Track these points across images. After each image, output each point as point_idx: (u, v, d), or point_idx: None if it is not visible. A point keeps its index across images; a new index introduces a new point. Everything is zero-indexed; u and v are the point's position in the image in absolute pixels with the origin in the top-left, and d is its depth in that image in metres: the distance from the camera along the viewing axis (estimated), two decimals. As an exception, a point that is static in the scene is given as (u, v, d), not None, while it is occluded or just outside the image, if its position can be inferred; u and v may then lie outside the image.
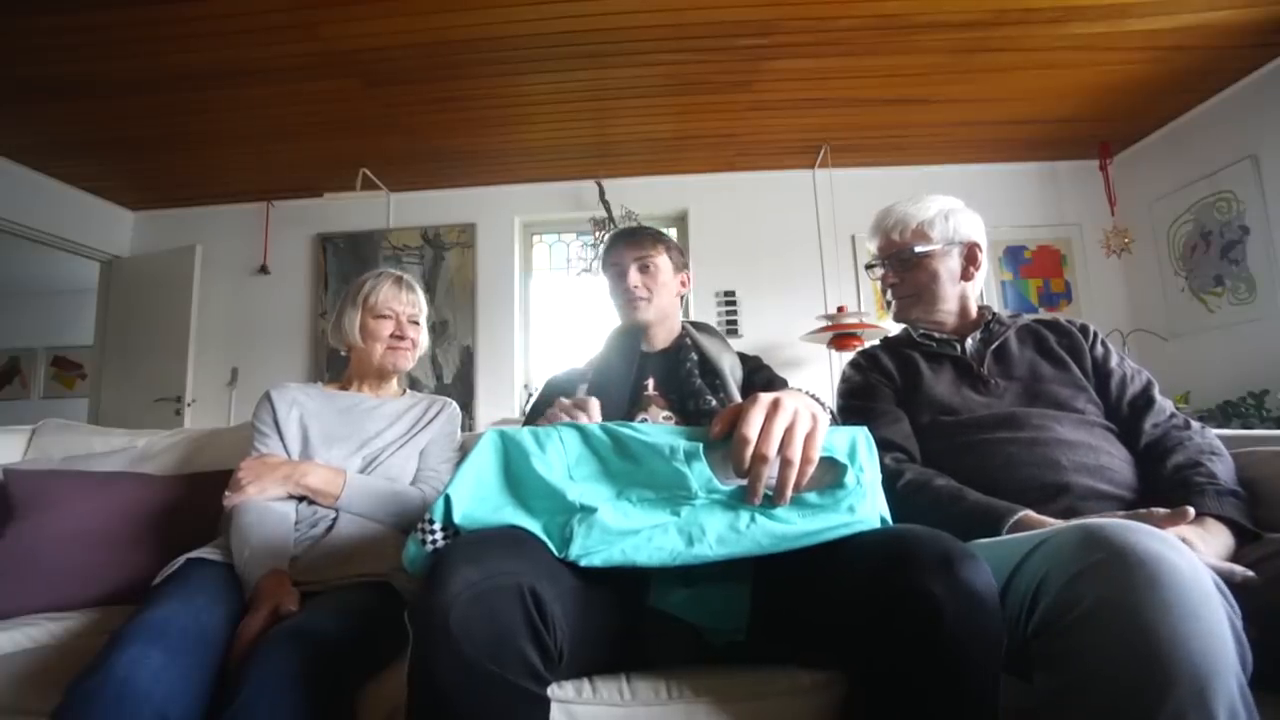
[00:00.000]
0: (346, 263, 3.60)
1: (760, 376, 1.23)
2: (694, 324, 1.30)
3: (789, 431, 0.68)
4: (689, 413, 1.12)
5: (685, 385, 1.16)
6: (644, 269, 1.24)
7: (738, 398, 1.12)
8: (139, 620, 0.80)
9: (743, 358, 1.27)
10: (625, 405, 1.14)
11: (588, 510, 0.70)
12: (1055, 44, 2.48)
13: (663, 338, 1.28)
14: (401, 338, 1.31)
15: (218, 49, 2.36)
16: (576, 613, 0.69)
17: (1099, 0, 2.23)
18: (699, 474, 0.71)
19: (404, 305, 1.32)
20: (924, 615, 0.60)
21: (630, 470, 0.75)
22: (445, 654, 0.59)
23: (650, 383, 1.19)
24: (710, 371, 1.18)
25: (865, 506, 0.73)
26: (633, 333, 1.24)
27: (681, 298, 1.33)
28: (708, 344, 1.23)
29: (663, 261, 1.25)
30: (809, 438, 0.69)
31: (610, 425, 0.78)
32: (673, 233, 3.70)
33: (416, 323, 1.35)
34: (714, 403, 1.11)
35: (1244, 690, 0.54)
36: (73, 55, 2.35)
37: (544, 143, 3.20)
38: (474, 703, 0.59)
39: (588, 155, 3.34)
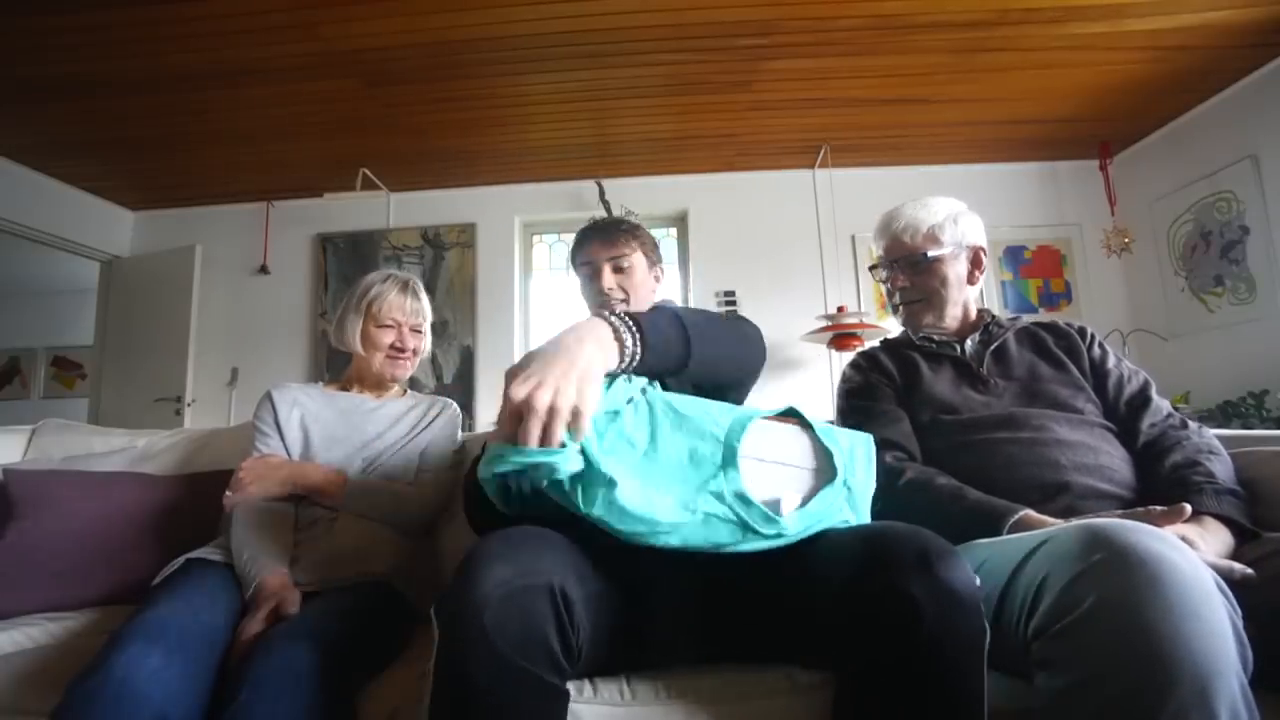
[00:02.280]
0: (346, 263, 3.60)
1: None
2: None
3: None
4: None
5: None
6: (618, 269, 1.13)
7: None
8: (138, 620, 0.80)
9: None
10: None
11: (611, 485, 0.67)
12: (1055, 44, 2.48)
13: None
14: (401, 350, 1.28)
15: (218, 49, 2.36)
16: (593, 614, 0.70)
17: (1099, 0, 2.23)
18: (731, 481, 0.71)
19: (408, 315, 1.29)
20: (903, 616, 0.60)
21: (662, 454, 0.72)
22: (479, 650, 0.60)
23: None
24: None
25: (851, 510, 0.75)
26: None
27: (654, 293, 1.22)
28: None
29: (638, 259, 1.14)
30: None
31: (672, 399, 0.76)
32: (672, 233, 3.71)
33: (419, 331, 1.32)
34: None
35: (1245, 690, 0.54)
36: (73, 55, 2.35)
37: (544, 143, 3.20)
38: (503, 696, 0.60)
39: (588, 155, 3.34)
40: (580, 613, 0.66)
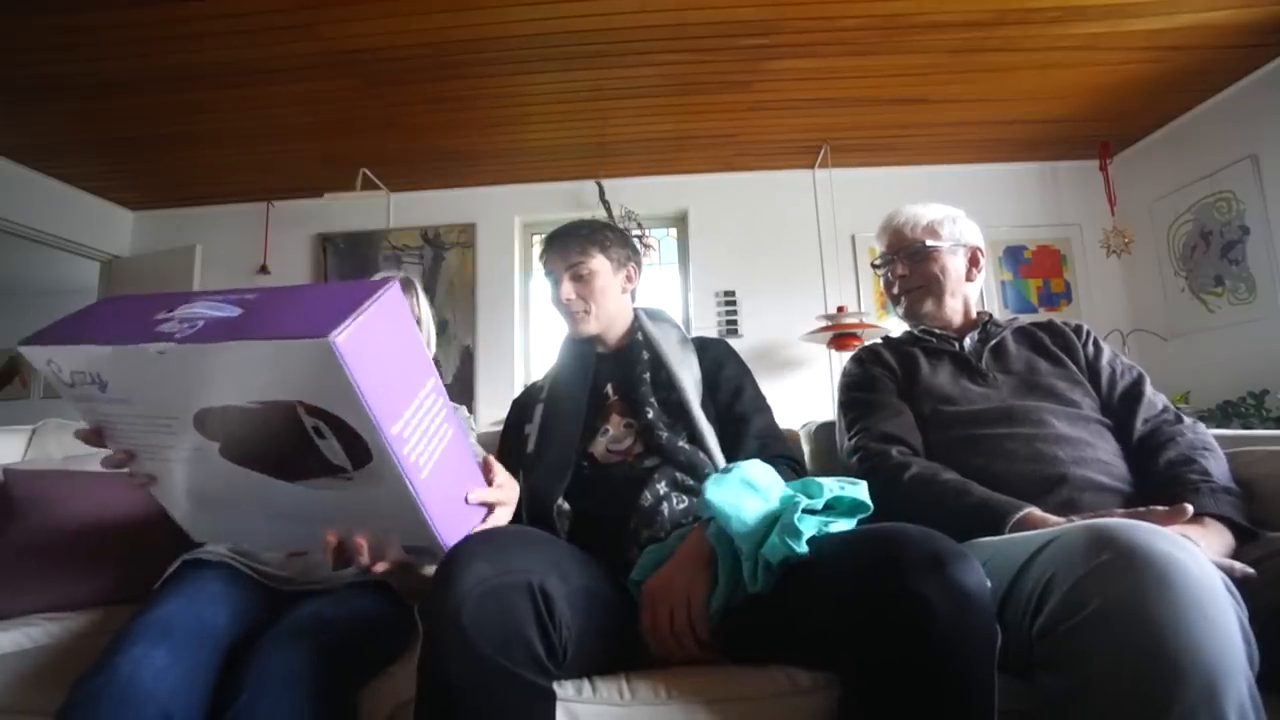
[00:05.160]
0: (346, 263, 3.60)
1: (724, 374, 1.13)
2: (648, 312, 1.21)
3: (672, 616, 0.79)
4: (645, 422, 1.04)
5: (637, 391, 1.07)
6: (577, 278, 1.13)
7: (692, 400, 1.05)
8: (143, 619, 0.80)
9: (701, 347, 1.17)
10: (582, 416, 1.07)
11: None
12: (1055, 44, 2.48)
13: (615, 335, 1.18)
14: None
15: (218, 49, 2.35)
16: (581, 612, 0.70)
17: (1099, 0, 2.23)
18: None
19: None
20: (916, 618, 0.59)
21: None
22: (457, 648, 0.60)
23: (609, 388, 1.12)
24: (664, 374, 1.08)
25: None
26: (584, 338, 1.17)
27: (632, 293, 1.22)
28: (661, 339, 1.14)
29: (598, 264, 1.14)
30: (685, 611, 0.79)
31: None
32: (672, 233, 3.71)
33: None
34: (663, 425, 1.02)
35: (1253, 690, 0.54)
36: (73, 55, 2.35)
37: (544, 143, 3.20)
38: (485, 696, 0.60)
39: (588, 155, 3.34)
40: (563, 610, 0.65)
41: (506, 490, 0.77)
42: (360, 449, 0.56)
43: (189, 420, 0.59)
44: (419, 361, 0.60)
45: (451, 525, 0.67)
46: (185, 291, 0.63)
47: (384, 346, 0.54)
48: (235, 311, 0.56)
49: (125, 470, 0.69)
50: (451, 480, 0.67)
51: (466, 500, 0.70)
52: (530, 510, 1.00)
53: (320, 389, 0.53)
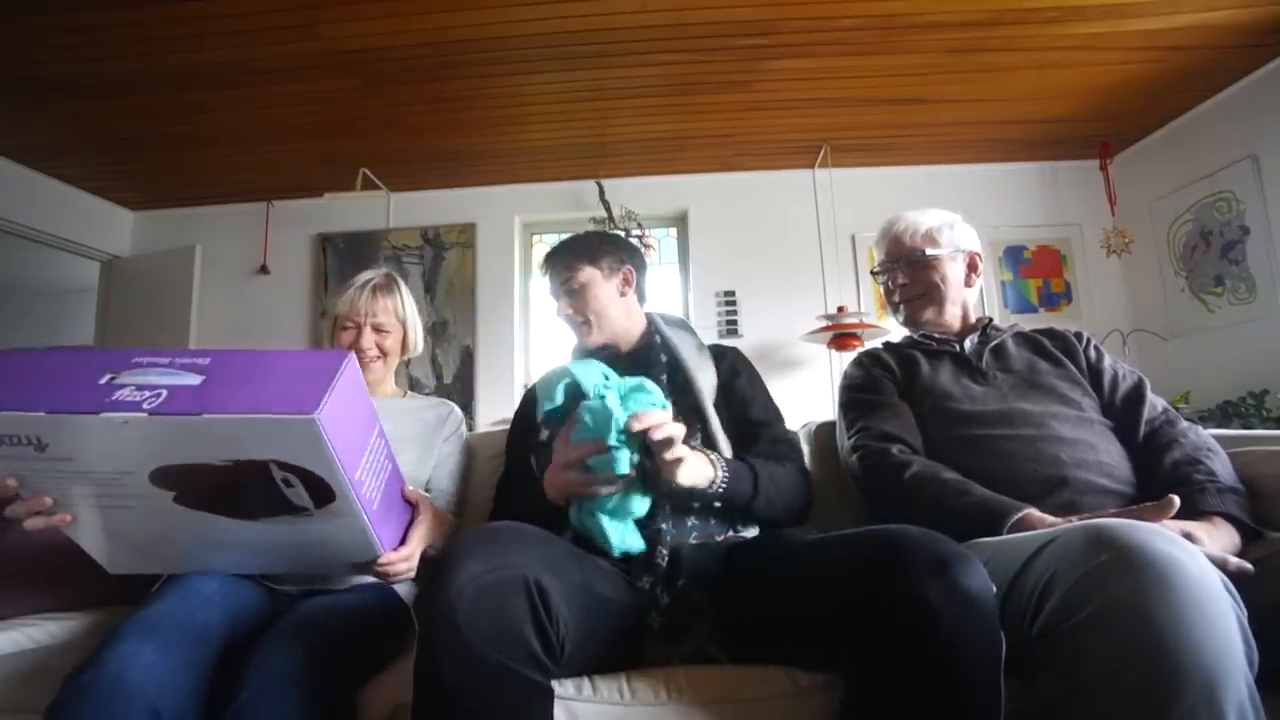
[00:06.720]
0: (346, 263, 3.60)
1: (738, 383, 1.14)
2: (664, 319, 1.22)
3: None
4: None
5: None
6: (570, 292, 1.16)
7: (708, 404, 1.05)
8: (134, 617, 0.80)
9: (718, 355, 1.18)
10: None
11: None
12: (1055, 44, 2.48)
13: (628, 340, 1.18)
14: (361, 351, 1.21)
15: (218, 49, 2.36)
16: (578, 609, 0.70)
17: (1098, 0, 2.24)
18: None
19: (364, 315, 1.23)
20: (919, 621, 0.59)
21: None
22: (452, 646, 0.60)
23: None
24: (681, 377, 1.09)
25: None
26: (593, 349, 1.17)
27: (639, 294, 1.22)
28: (679, 344, 1.14)
29: (587, 275, 1.15)
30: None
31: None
32: (672, 233, 3.71)
33: (383, 329, 1.24)
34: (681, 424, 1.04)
35: (1252, 690, 0.54)
36: (73, 55, 2.35)
37: (544, 143, 3.20)
38: (481, 694, 0.60)
39: (588, 155, 3.34)
40: (560, 606, 0.65)
41: (421, 514, 0.93)
42: (324, 492, 0.68)
43: (144, 476, 0.66)
44: (369, 416, 0.73)
45: (388, 534, 0.81)
46: (115, 350, 0.69)
47: (348, 413, 0.66)
48: (195, 379, 0.63)
49: (36, 514, 0.73)
50: (389, 499, 0.82)
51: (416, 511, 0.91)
52: (543, 500, 1.00)
53: (298, 452, 0.63)
